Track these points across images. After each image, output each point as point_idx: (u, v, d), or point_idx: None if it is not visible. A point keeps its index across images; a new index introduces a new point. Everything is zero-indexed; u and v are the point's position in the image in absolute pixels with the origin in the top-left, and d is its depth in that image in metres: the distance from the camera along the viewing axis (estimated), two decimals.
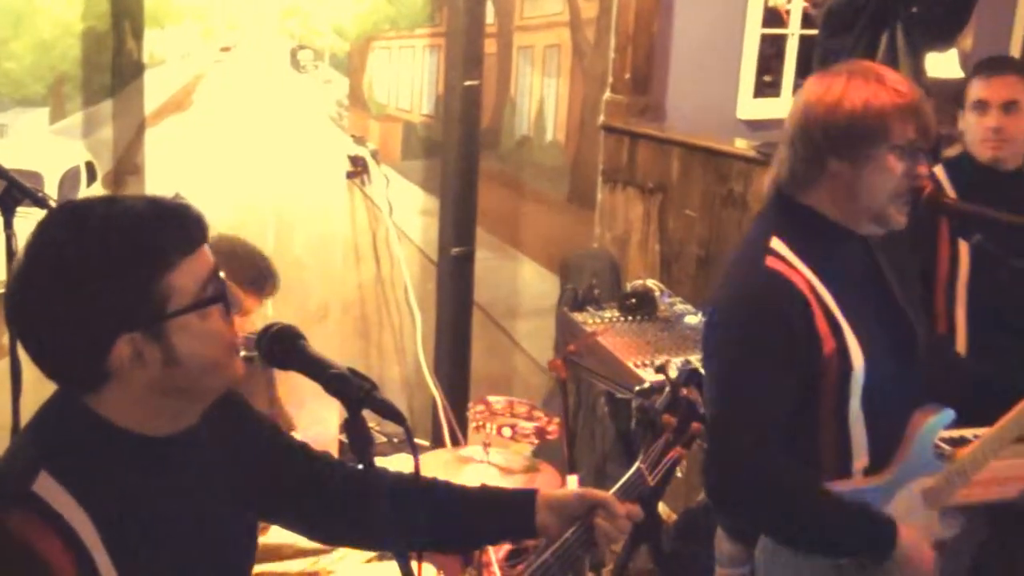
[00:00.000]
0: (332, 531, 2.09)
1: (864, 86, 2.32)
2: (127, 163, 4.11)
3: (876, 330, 2.40)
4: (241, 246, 3.20)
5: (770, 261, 2.35)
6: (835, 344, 2.31)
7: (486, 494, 2.13)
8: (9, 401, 2.90)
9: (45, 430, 1.72)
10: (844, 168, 2.34)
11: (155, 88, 4.10)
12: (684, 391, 2.09)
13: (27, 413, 3.06)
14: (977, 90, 3.42)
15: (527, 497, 2.00)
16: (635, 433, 4.30)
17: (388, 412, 1.70)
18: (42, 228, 1.66)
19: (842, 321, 2.33)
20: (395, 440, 4.12)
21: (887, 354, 2.41)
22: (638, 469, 2.03)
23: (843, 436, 2.38)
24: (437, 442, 4.32)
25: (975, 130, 3.41)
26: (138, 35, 4.03)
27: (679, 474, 2.11)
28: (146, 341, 1.63)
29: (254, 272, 3.14)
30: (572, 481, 3.82)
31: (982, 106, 3.38)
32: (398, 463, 3.34)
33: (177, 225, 1.67)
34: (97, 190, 4.06)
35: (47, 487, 1.61)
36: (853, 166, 2.33)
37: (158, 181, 4.06)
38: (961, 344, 3.38)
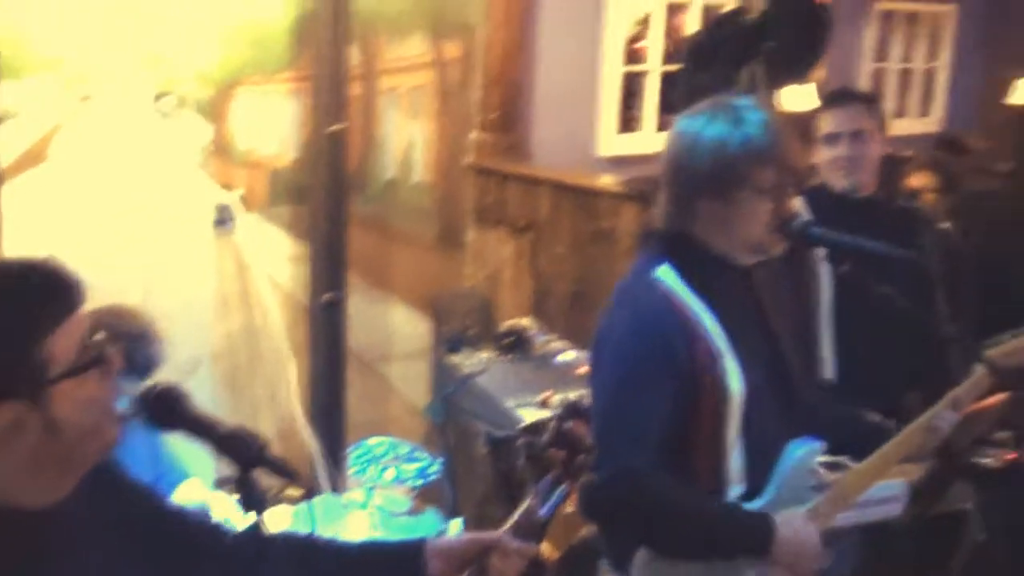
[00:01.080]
0: None
1: (720, 129, 2.36)
2: None
3: (755, 359, 2.42)
4: (124, 328, 3.13)
5: (655, 289, 2.37)
6: (714, 370, 2.33)
7: (375, 548, 2.12)
8: None
9: None
10: (715, 207, 2.38)
11: (11, 140, 3.97)
12: (569, 425, 2.05)
13: None
14: (827, 123, 3.49)
15: (416, 547, 1.96)
16: (519, 471, 4.30)
17: (281, 471, 1.66)
18: None
19: (722, 348, 2.36)
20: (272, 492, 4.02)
21: (765, 383, 2.44)
22: (528, 506, 2.00)
23: (720, 462, 2.40)
24: (307, 492, 4.25)
25: (828, 161, 3.49)
26: None
27: (569, 508, 2.05)
28: (27, 411, 1.54)
29: (141, 361, 3.09)
30: (456, 524, 3.78)
31: (833, 138, 3.46)
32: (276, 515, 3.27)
33: (53, 290, 1.60)
34: None
35: None
36: (723, 205, 2.37)
37: (16, 237, 3.92)
38: (829, 369, 3.44)
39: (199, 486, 3.34)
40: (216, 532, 1.98)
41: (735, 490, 2.41)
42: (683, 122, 2.46)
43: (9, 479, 1.59)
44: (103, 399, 1.63)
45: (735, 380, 2.34)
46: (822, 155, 3.50)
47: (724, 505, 2.35)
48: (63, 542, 1.67)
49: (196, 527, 1.97)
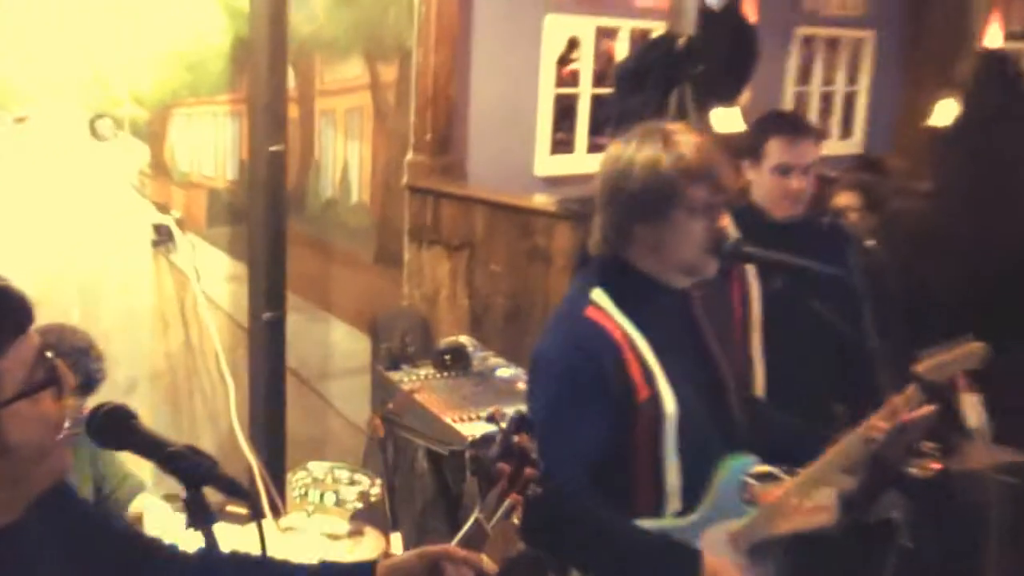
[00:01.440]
0: None
1: (655, 153, 2.40)
2: None
3: (690, 379, 2.46)
4: (69, 344, 3.12)
5: (590, 312, 2.41)
6: (648, 391, 2.37)
7: (326, 570, 2.09)
8: None
9: None
10: (648, 230, 2.42)
11: None
12: (516, 438, 2.07)
13: None
14: (779, 152, 3.45)
15: (366, 569, 1.96)
16: (461, 485, 4.31)
17: (231, 489, 1.66)
18: None
19: (656, 369, 2.39)
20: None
21: (700, 401, 2.48)
22: (476, 519, 2.00)
23: (657, 479, 2.43)
24: (254, 511, 4.21)
25: (775, 190, 3.46)
26: None
27: (515, 520, 2.06)
28: None
29: (83, 377, 3.09)
30: (396, 538, 3.78)
31: (785, 170, 3.45)
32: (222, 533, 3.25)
33: (1, 310, 1.58)
34: None
35: None
36: (656, 228, 2.41)
37: None
38: (760, 382, 3.48)
39: (151, 500, 3.33)
40: (163, 551, 1.96)
41: (672, 505, 2.46)
42: (615, 147, 2.50)
43: None
44: (55, 418, 1.61)
45: (669, 401, 2.38)
46: (766, 182, 3.53)
47: (654, 537, 2.37)
48: (15, 560, 1.65)
49: (143, 546, 1.95)
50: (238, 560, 2.00)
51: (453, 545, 1.96)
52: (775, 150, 3.47)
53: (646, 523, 2.40)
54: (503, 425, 2.11)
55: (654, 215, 2.40)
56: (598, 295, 2.43)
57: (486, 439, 2.51)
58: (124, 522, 2.04)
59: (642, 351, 2.39)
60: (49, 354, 1.62)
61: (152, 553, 1.95)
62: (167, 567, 1.93)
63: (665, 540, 2.37)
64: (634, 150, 2.42)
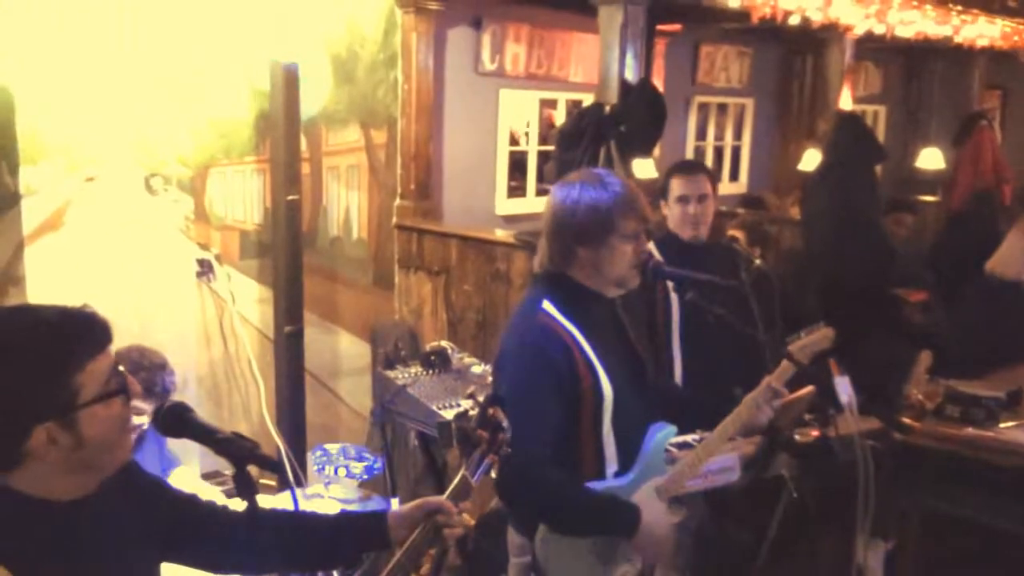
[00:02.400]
0: (226, 563, 1.95)
1: (593, 193, 2.39)
2: (9, 277, 3.81)
3: (620, 368, 2.46)
4: (149, 361, 3.10)
5: (541, 318, 2.40)
6: (590, 380, 2.36)
7: (348, 518, 2.08)
8: None
9: None
10: (588, 253, 2.41)
11: (32, 213, 3.84)
12: (491, 411, 2.06)
13: None
14: (679, 187, 3.50)
15: (380, 517, 1.96)
16: (445, 458, 4.27)
17: (268, 465, 1.65)
18: None
19: (596, 362, 2.38)
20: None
21: (629, 386, 2.47)
22: (463, 475, 1.98)
23: (599, 448, 2.42)
24: (283, 484, 4.17)
25: (679, 217, 3.50)
26: (14, 171, 3.78)
27: (492, 474, 2.06)
28: (59, 429, 1.51)
29: (161, 388, 3.08)
30: (395, 502, 3.74)
31: (684, 199, 3.48)
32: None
33: (86, 332, 1.56)
34: None
35: None
36: (594, 251, 2.40)
37: (38, 290, 3.80)
38: (678, 372, 3.48)
39: (188, 475, 3.28)
40: (219, 510, 1.94)
41: (611, 467, 2.44)
42: (560, 190, 2.48)
43: (43, 480, 1.56)
44: (124, 418, 1.61)
45: (606, 386, 2.37)
46: (673, 211, 3.54)
47: (601, 495, 2.36)
48: (87, 528, 1.63)
49: (202, 508, 1.92)
50: (276, 512, 1.99)
51: (445, 498, 1.95)
52: (675, 186, 3.51)
53: (592, 484, 2.39)
54: (480, 400, 2.10)
55: (595, 241, 2.39)
56: (547, 305, 2.42)
57: (465, 414, 2.48)
58: (185, 492, 1.98)
59: (584, 348, 2.38)
60: (121, 368, 1.61)
61: (209, 512, 1.92)
62: (222, 521, 1.91)
63: (610, 497, 2.36)
64: (578, 191, 2.41)
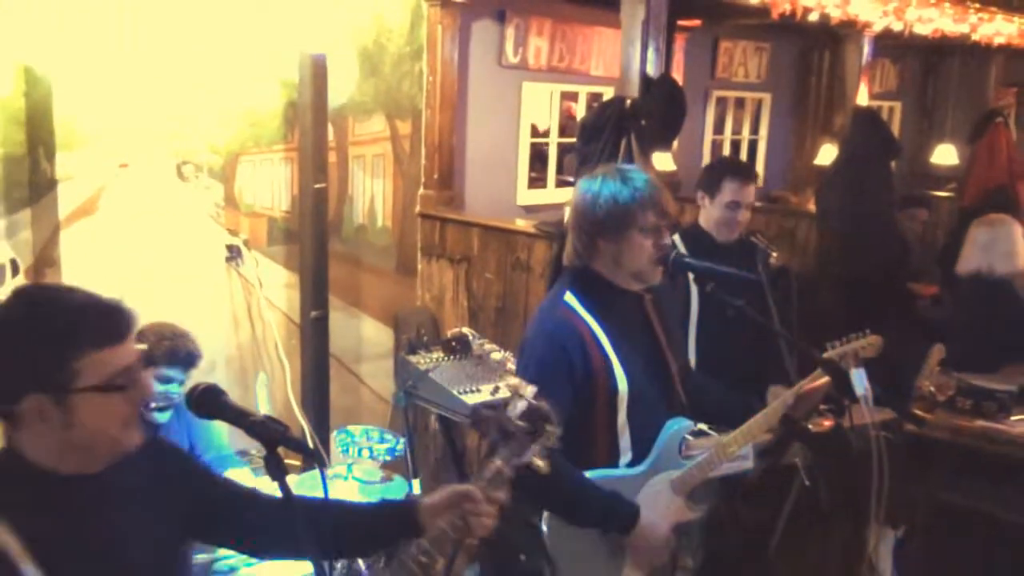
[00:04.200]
0: (260, 547, 1.95)
1: (614, 187, 2.39)
2: (45, 259, 3.85)
3: (640, 362, 2.45)
4: (171, 331, 3.17)
5: (562, 310, 2.41)
6: (604, 373, 2.36)
7: (380, 509, 2.06)
8: None
9: None
10: (610, 246, 2.40)
11: (67, 198, 3.86)
12: (538, 403, 1.98)
13: None
14: (732, 192, 3.45)
15: (412, 506, 1.93)
16: (466, 441, 4.27)
17: (297, 447, 1.65)
18: (8, 296, 1.59)
19: (612, 355, 2.38)
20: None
21: (648, 380, 2.47)
22: (497, 466, 1.92)
23: (613, 439, 2.42)
24: (308, 463, 4.19)
25: (725, 219, 3.46)
26: (50, 157, 3.80)
27: (541, 464, 1.97)
28: (50, 405, 1.52)
29: (186, 354, 3.15)
30: (416, 483, 3.76)
31: (735, 205, 3.45)
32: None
33: (98, 322, 1.55)
34: (20, 281, 3.78)
35: None
36: (616, 244, 2.40)
37: (72, 272, 3.83)
38: (692, 362, 3.47)
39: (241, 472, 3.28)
40: (253, 494, 1.93)
41: (625, 458, 2.44)
42: (584, 183, 2.48)
43: (46, 453, 1.56)
44: (122, 415, 1.58)
45: (622, 380, 2.37)
46: (718, 212, 3.48)
47: (604, 492, 2.35)
48: (93, 502, 1.61)
49: (237, 490, 1.92)
50: (311, 500, 1.97)
51: (475, 485, 1.91)
52: (728, 189, 3.46)
53: (604, 472, 2.38)
54: (527, 392, 2.02)
55: (615, 234, 2.38)
56: (569, 298, 2.43)
57: (500, 403, 2.46)
58: (220, 474, 1.98)
59: (601, 341, 2.38)
60: (139, 372, 1.60)
61: (244, 495, 1.91)
62: (257, 505, 1.90)
63: (611, 494, 2.35)
64: (599, 185, 2.41)
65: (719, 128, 8.00)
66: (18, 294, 1.59)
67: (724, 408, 2.66)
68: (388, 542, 1.94)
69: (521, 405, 1.98)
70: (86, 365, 1.51)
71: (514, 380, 2.06)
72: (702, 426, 2.68)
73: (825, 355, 2.47)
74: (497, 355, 4.21)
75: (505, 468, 1.92)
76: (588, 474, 2.36)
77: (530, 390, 2.00)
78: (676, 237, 3.50)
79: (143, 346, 1.64)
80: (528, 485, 2.35)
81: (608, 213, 2.38)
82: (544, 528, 2.43)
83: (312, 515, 1.89)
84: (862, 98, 6.97)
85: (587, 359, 2.35)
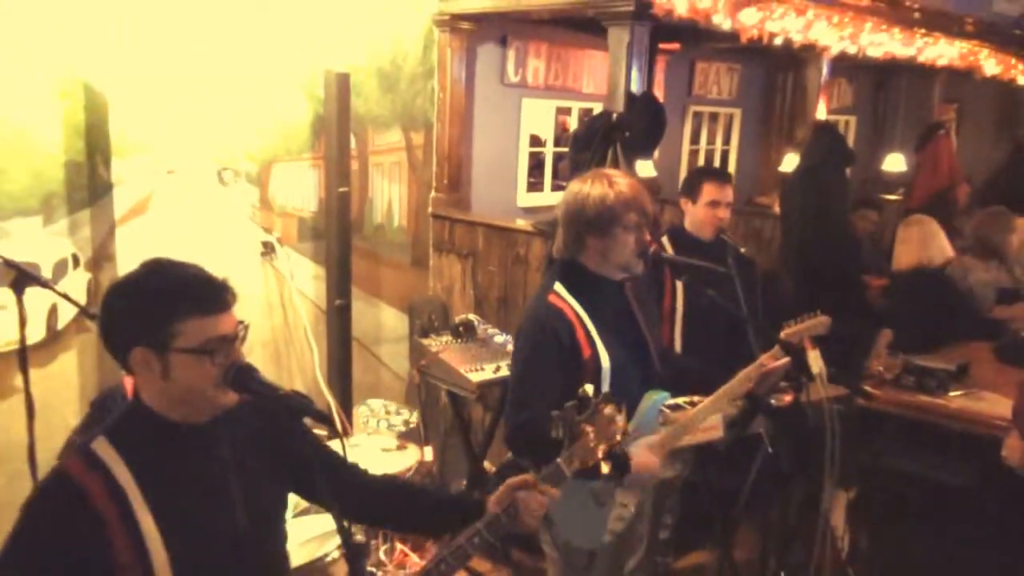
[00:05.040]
0: (344, 509, 1.88)
1: (601, 189, 2.39)
2: (103, 253, 3.85)
3: (621, 342, 2.45)
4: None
5: (552, 298, 2.41)
6: (591, 352, 2.37)
7: (453, 500, 2.00)
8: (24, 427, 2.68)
9: (115, 414, 1.65)
10: (597, 241, 2.41)
11: (122, 200, 3.87)
12: (602, 406, 1.90)
13: (40, 437, 2.84)
14: (711, 192, 3.43)
15: (482, 501, 1.88)
16: (468, 414, 4.28)
17: (320, 417, 1.65)
18: (140, 265, 1.66)
19: (596, 337, 2.38)
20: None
21: (629, 357, 2.47)
22: (556, 463, 1.87)
23: None
24: (332, 432, 4.20)
25: (707, 218, 3.42)
26: (107, 163, 3.80)
27: (604, 469, 1.88)
28: (153, 358, 1.56)
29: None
30: (428, 451, 3.77)
31: (715, 204, 3.43)
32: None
33: (198, 293, 1.58)
34: (81, 274, 3.78)
35: (103, 448, 1.55)
36: (603, 241, 2.40)
37: (127, 266, 3.76)
38: (678, 347, 3.47)
39: None
40: (348, 465, 1.90)
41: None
42: (574, 186, 2.48)
43: (158, 400, 1.60)
44: (214, 377, 1.60)
45: (605, 357, 2.38)
46: (701, 213, 3.45)
47: None
48: (203, 448, 1.64)
49: (335, 458, 1.88)
50: (387, 480, 1.97)
51: (532, 476, 1.85)
52: (709, 190, 3.45)
53: None
54: (588, 391, 1.95)
55: (602, 231, 2.38)
56: (558, 287, 2.43)
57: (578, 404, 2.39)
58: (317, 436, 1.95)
59: (587, 325, 2.39)
60: (233, 342, 1.61)
61: (337, 461, 1.87)
62: (351, 475, 1.89)
63: None
64: (588, 187, 2.41)
65: (695, 139, 7.97)
66: (146, 263, 1.66)
67: (704, 381, 2.66)
68: (459, 527, 1.85)
69: (588, 410, 1.88)
70: (183, 328, 1.55)
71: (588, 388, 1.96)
72: (678, 400, 2.69)
73: (782, 333, 2.48)
74: (499, 338, 4.22)
75: (564, 468, 1.84)
76: None
77: (601, 394, 1.90)
78: (664, 238, 3.50)
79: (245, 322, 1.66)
80: (524, 449, 2.36)
81: (597, 213, 2.38)
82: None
83: (394, 495, 1.88)
84: (821, 113, 6.95)
85: (574, 340, 2.36)
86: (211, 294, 1.60)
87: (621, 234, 2.39)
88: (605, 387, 2.39)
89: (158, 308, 1.55)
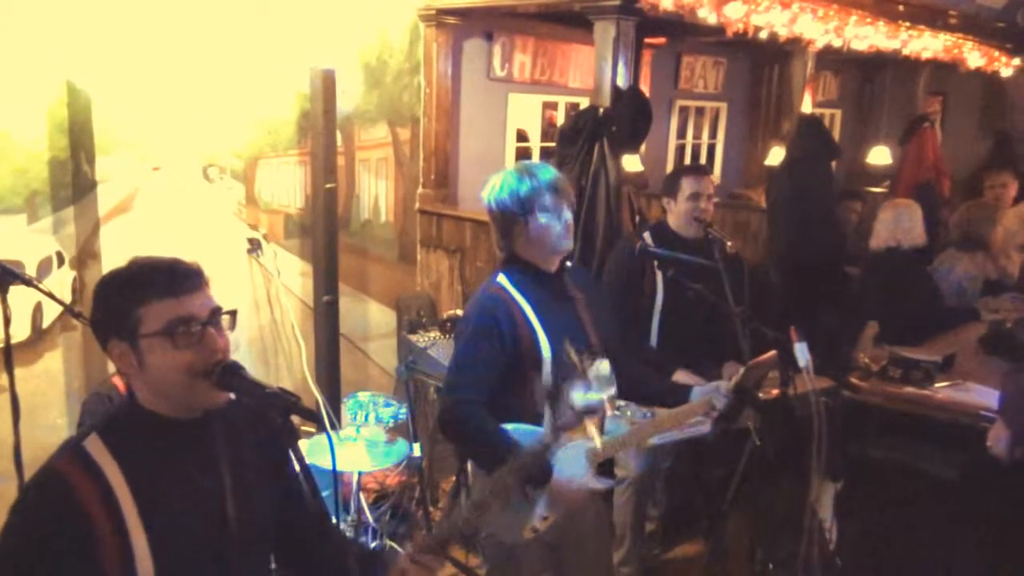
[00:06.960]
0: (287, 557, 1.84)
1: (512, 182, 2.40)
2: (88, 251, 3.83)
3: (562, 334, 2.39)
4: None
5: (493, 289, 2.42)
6: (529, 340, 2.36)
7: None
8: (10, 426, 2.65)
9: (108, 411, 1.65)
10: (521, 230, 2.42)
11: (106, 197, 3.84)
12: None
13: (26, 436, 2.81)
14: (690, 186, 3.41)
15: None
16: None
17: (307, 415, 1.62)
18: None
19: (537, 326, 2.38)
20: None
21: (573, 344, 2.42)
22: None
23: (537, 400, 2.39)
24: (321, 428, 4.19)
25: (689, 212, 3.40)
26: (91, 161, 3.78)
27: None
28: (126, 348, 1.55)
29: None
30: (416, 446, 3.76)
31: (696, 197, 3.41)
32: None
33: (157, 277, 1.56)
34: (65, 272, 3.76)
35: (94, 446, 1.53)
36: (525, 227, 2.41)
37: (112, 263, 3.74)
38: (654, 340, 3.46)
39: None
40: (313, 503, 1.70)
41: (547, 415, 2.39)
42: (489, 182, 2.48)
43: (144, 394, 1.59)
44: (189, 364, 1.55)
45: (545, 347, 2.36)
46: (683, 208, 3.43)
47: (517, 446, 2.24)
48: (197, 448, 1.62)
49: (304, 495, 1.72)
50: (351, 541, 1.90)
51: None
52: (687, 185, 3.44)
53: (530, 428, 2.34)
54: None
55: (522, 219, 2.40)
56: (502, 278, 2.45)
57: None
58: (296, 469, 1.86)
59: (527, 314, 2.38)
60: (204, 325, 1.56)
61: (304, 495, 1.70)
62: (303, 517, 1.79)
63: (533, 452, 2.21)
64: (501, 182, 2.45)
65: (682, 133, 7.99)
66: (129, 261, 1.64)
67: (660, 393, 2.64)
68: None
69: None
70: (148, 312, 1.53)
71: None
72: (620, 401, 2.67)
73: (732, 382, 2.45)
74: None
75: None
76: (509, 427, 2.31)
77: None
78: (646, 233, 3.50)
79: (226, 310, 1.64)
80: (453, 433, 2.35)
81: (511, 202, 2.39)
82: (471, 469, 2.41)
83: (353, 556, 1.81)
84: (807, 106, 6.97)
85: (514, 328, 2.36)
86: (173, 276, 1.58)
87: (540, 218, 2.39)
88: (545, 374, 2.38)
89: (122, 297, 1.55)
